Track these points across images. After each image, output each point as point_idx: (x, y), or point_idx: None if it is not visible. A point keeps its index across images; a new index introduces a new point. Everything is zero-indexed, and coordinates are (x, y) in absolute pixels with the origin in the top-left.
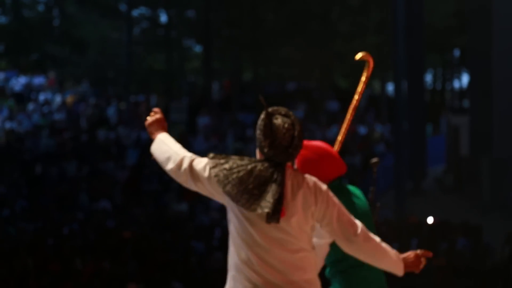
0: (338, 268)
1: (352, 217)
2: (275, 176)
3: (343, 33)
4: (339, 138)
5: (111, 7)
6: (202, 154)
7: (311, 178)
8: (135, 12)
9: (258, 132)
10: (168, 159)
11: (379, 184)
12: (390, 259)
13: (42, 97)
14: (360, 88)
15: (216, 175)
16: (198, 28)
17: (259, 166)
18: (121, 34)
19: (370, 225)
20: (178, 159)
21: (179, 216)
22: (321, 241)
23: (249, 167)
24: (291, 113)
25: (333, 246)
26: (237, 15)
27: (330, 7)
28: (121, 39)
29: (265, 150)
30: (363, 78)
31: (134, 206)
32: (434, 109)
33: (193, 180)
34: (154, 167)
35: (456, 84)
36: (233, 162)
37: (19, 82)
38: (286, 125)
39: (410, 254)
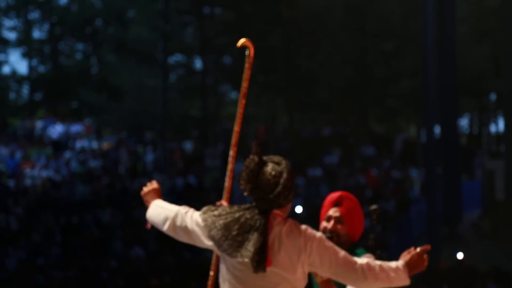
0: None
1: (349, 256)
2: (257, 224)
3: (378, 78)
4: (236, 129)
5: (148, 54)
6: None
7: (302, 226)
8: (171, 59)
9: (243, 174)
10: (164, 219)
11: (413, 230)
12: (395, 278)
13: (79, 144)
14: (246, 75)
15: (205, 220)
16: (234, 74)
17: (247, 214)
18: (157, 81)
19: None
20: (171, 215)
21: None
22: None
23: (237, 214)
24: (284, 162)
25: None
26: (272, 60)
27: (365, 52)
28: (157, 86)
29: (245, 193)
30: (247, 65)
31: (168, 253)
32: (470, 154)
33: (186, 232)
34: None
35: (492, 129)
36: (223, 209)
37: (56, 130)
38: (273, 172)
39: (411, 255)
